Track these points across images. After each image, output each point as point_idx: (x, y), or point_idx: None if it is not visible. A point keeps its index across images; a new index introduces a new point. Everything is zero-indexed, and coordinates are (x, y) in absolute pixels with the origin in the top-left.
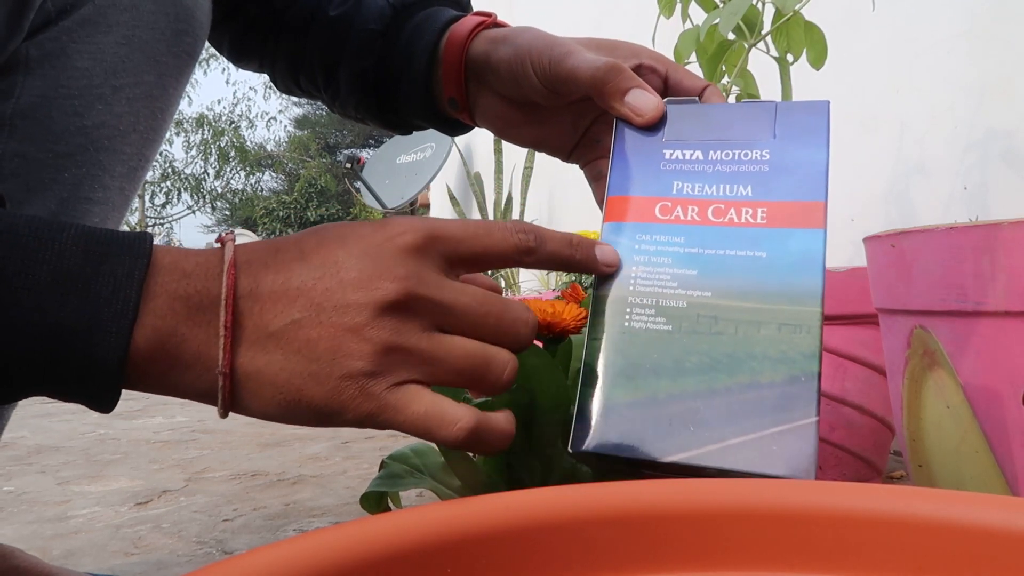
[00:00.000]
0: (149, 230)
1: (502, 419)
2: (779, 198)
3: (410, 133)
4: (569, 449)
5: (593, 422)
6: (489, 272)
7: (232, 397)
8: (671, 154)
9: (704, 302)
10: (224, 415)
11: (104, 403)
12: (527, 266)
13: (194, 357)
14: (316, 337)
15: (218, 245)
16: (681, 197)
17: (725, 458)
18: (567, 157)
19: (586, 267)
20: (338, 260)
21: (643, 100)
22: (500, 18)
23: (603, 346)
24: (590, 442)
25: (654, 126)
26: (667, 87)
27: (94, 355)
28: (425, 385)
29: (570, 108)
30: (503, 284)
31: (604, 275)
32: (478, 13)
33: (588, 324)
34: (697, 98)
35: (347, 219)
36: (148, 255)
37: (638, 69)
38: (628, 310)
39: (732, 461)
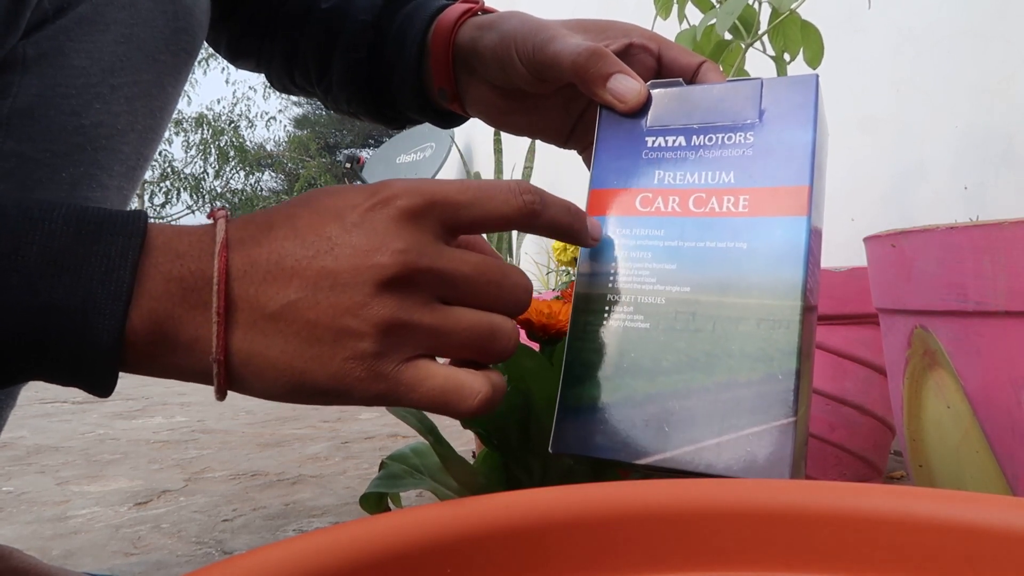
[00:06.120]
0: None
1: (500, 377)
2: (762, 184)
3: (404, 127)
4: (550, 449)
5: (571, 423)
6: None
7: (232, 379)
8: (653, 141)
9: (683, 298)
10: (221, 398)
11: (101, 387)
12: (529, 231)
13: (192, 340)
14: (315, 318)
15: (211, 221)
16: (662, 187)
17: (698, 460)
18: (564, 143)
19: (580, 238)
20: (331, 235)
21: (625, 86)
22: (502, 10)
23: (582, 346)
24: (568, 443)
25: (637, 112)
26: (661, 65)
27: (89, 337)
28: (431, 358)
29: (561, 93)
30: None
31: (590, 247)
32: (466, 0)
33: (569, 323)
34: (682, 80)
35: None
36: (142, 234)
37: (630, 48)
38: (607, 308)
39: (705, 464)
